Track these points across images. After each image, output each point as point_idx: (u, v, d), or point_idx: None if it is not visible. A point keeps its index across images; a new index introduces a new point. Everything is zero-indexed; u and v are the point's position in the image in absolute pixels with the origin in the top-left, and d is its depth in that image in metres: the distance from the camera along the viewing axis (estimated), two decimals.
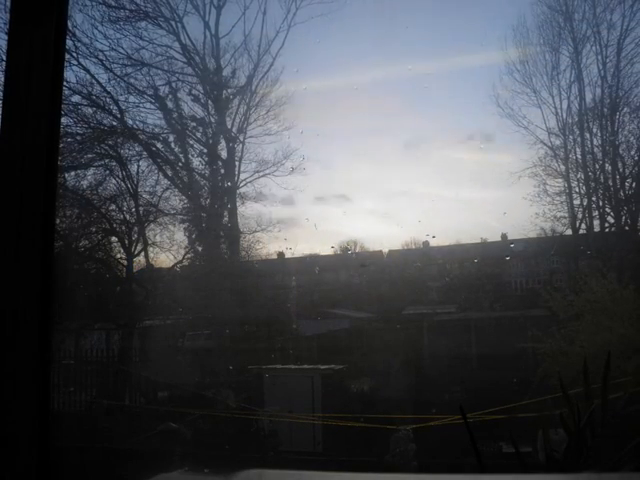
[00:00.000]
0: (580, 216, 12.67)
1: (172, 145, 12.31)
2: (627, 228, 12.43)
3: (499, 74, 13.00)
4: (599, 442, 1.44)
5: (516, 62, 12.71)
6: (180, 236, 12.08)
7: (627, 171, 12.59)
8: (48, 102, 1.29)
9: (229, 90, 12.66)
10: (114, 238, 11.92)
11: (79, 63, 10.86)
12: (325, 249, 13.14)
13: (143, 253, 11.76)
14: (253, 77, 12.59)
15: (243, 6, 12.85)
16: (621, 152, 12.66)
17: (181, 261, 12.20)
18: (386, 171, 13.66)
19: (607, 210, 12.77)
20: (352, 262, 13.36)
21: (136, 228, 11.86)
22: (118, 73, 11.43)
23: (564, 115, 12.82)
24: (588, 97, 12.76)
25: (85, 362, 9.99)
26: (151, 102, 11.92)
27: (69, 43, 10.12)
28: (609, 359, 1.53)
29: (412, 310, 11.66)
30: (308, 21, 12.50)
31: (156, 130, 12.15)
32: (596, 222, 12.73)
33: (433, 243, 12.34)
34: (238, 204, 12.51)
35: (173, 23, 12.04)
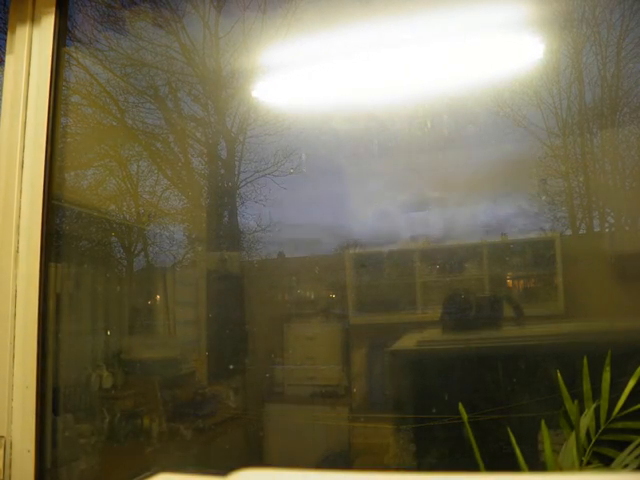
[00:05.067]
0: (580, 216, 12.67)
1: (172, 145, 12.31)
2: (627, 228, 12.43)
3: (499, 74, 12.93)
4: (599, 442, 1.43)
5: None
6: (180, 236, 12.07)
7: (627, 171, 12.60)
8: (48, 102, 1.29)
9: (229, 90, 12.67)
10: (114, 238, 11.92)
11: (79, 63, 10.85)
12: (325, 249, 13.06)
13: (143, 253, 11.76)
14: (253, 77, 12.60)
15: (243, 6, 12.84)
16: (621, 152, 12.66)
17: (181, 261, 12.20)
18: (385, 171, 13.60)
19: (607, 210, 12.77)
20: (352, 262, 13.34)
21: (136, 228, 11.86)
22: (118, 73, 11.43)
23: (564, 115, 12.81)
24: (588, 97, 12.75)
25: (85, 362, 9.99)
26: (151, 102, 11.93)
27: (69, 43, 10.10)
28: (609, 359, 1.53)
29: (412, 310, 11.63)
30: (307, 20, 12.47)
31: (156, 130, 12.15)
32: (596, 222, 12.71)
33: (433, 243, 12.30)
34: (238, 204, 12.51)
35: (173, 23, 12.06)
